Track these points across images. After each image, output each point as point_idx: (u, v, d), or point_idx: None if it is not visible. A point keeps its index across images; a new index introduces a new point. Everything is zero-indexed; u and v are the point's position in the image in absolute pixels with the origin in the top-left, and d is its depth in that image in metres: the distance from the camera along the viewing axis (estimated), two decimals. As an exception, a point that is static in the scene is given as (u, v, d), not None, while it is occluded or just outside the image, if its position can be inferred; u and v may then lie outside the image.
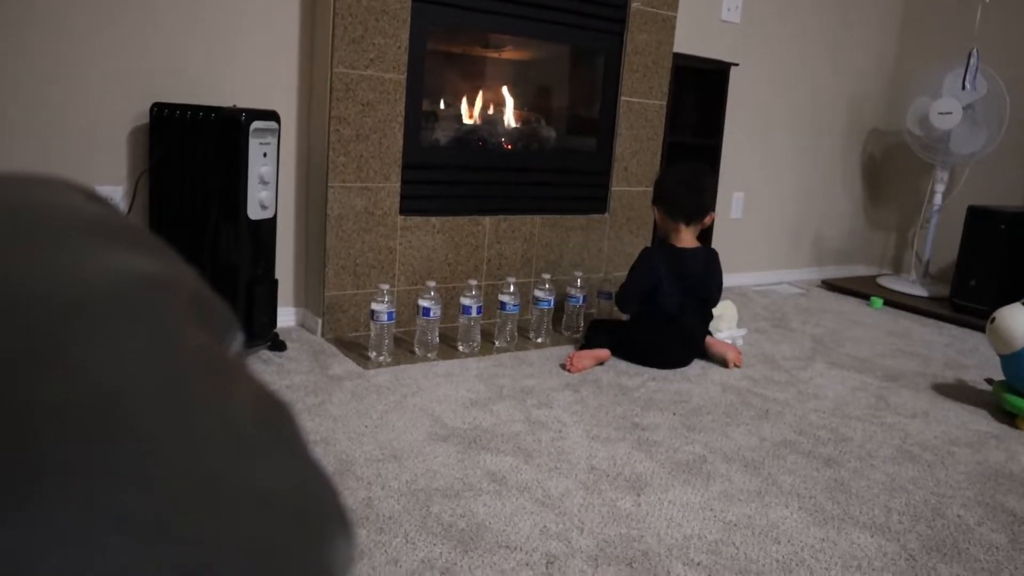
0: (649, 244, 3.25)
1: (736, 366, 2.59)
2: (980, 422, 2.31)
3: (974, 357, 2.99)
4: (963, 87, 3.65)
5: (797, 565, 1.47)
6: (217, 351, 0.28)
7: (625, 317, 2.76)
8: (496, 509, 1.57)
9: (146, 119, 2.29)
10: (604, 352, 2.52)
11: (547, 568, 1.38)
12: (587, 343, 2.57)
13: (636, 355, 2.57)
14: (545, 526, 1.52)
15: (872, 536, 1.60)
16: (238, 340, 0.31)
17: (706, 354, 2.64)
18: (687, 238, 2.60)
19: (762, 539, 1.55)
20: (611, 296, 2.88)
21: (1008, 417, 2.33)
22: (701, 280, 2.59)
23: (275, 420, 0.27)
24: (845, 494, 1.77)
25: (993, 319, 2.35)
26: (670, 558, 1.45)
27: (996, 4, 3.89)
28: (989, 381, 2.52)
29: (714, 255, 2.66)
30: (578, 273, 2.81)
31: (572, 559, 1.42)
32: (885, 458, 1.99)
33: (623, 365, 2.53)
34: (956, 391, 2.57)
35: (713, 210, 2.66)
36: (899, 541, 1.59)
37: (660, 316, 2.56)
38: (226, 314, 0.30)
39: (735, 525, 1.59)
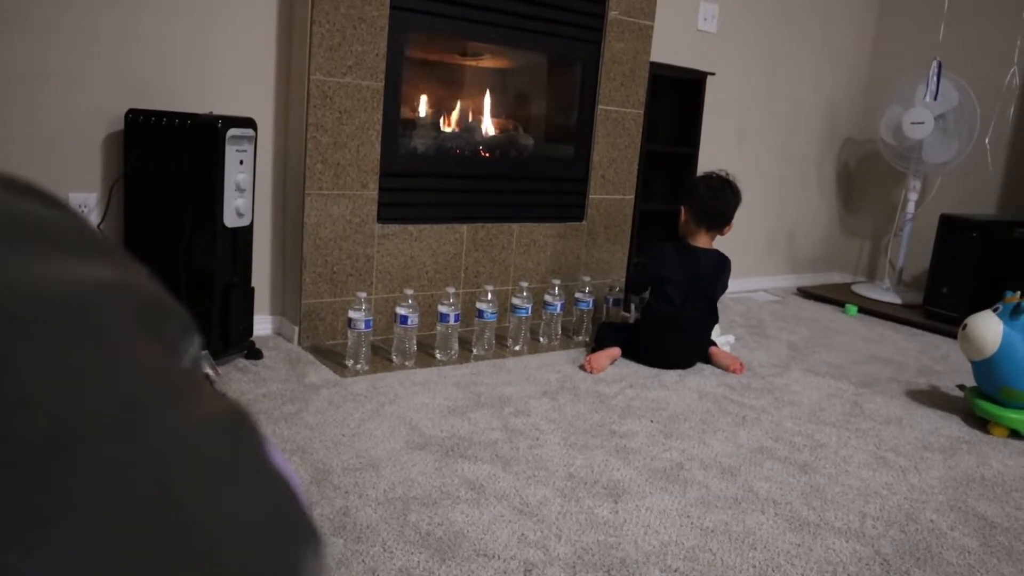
0: (628, 251, 3.28)
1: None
2: (953, 428, 2.34)
3: (947, 363, 3.03)
4: (926, 98, 3.70)
5: (773, 571, 1.48)
6: (171, 363, 0.26)
7: (631, 319, 2.96)
8: (474, 517, 1.57)
9: (121, 125, 2.27)
10: (616, 350, 2.65)
11: (525, 576, 1.38)
12: (598, 344, 2.68)
13: (640, 354, 2.68)
14: (523, 534, 1.52)
15: (847, 541, 1.61)
16: (195, 345, 0.30)
17: (710, 360, 2.72)
18: (703, 241, 2.71)
19: (739, 545, 1.56)
20: (618, 302, 3.04)
21: (980, 423, 2.36)
22: (708, 279, 2.69)
23: (236, 433, 0.26)
24: (820, 500, 1.79)
25: (965, 326, 2.38)
26: (647, 565, 1.45)
27: (969, 16, 3.95)
28: (961, 387, 2.55)
29: (726, 261, 2.74)
30: (556, 281, 2.82)
31: (550, 567, 1.42)
32: (860, 464, 2.01)
33: (601, 374, 2.53)
34: (929, 397, 2.60)
35: (731, 222, 2.74)
36: (873, 546, 1.60)
37: (665, 314, 2.64)
38: (182, 317, 0.29)
39: (712, 532, 1.60)
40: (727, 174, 2.73)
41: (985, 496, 1.89)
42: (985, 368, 2.33)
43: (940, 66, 3.69)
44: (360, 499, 1.60)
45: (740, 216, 2.77)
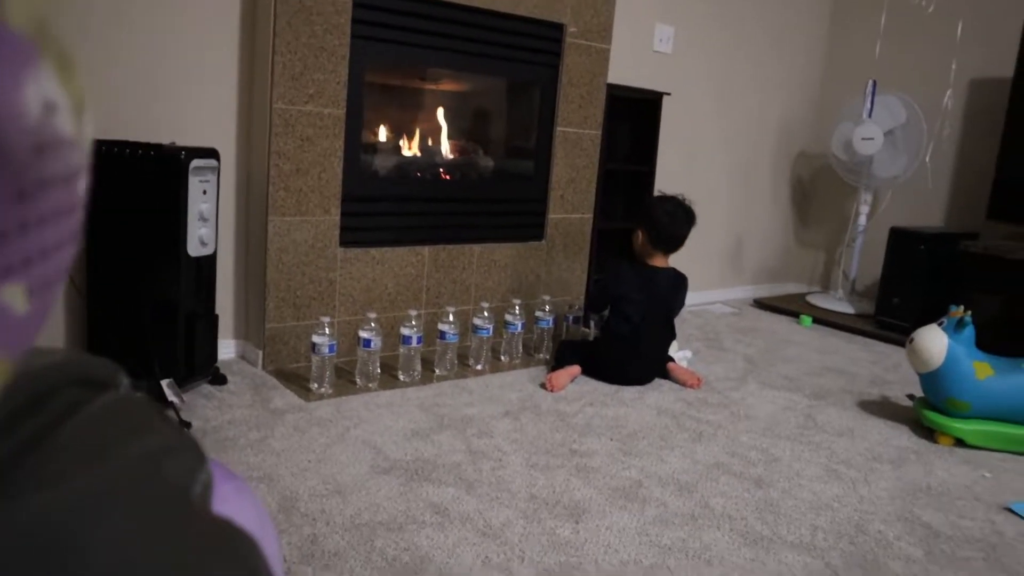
0: (587, 269, 3.34)
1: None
2: (902, 438, 2.42)
3: (897, 373, 3.13)
4: (863, 115, 3.83)
5: (728, 586, 1.53)
6: (193, 510, 0.31)
7: (591, 336, 3.03)
8: (439, 541, 1.61)
9: (82, 156, 2.28)
10: (576, 368, 2.70)
11: (488, 599, 1.42)
12: (559, 363, 2.73)
13: (600, 372, 2.73)
14: (487, 556, 1.57)
15: (799, 555, 1.68)
16: (205, 470, 0.35)
17: (668, 376, 2.79)
18: (659, 261, 2.80)
19: (695, 562, 1.62)
20: (578, 320, 3.09)
21: (927, 432, 2.45)
22: (666, 298, 2.77)
23: (249, 565, 0.31)
24: (774, 514, 1.85)
25: (912, 340, 2.47)
26: (607, 584, 1.50)
27: (912, 37, 4.08)
28: (911, 397, 2.65)
29: (683, 279, 2.83)
30: (516, 300, 2.87)
31: (513, 589, 1.46)
32: (812, 477, 2.08)
33: (561, 392, 2.59)
34: (880, 408, 2.69)
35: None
36: (823, 558, 1.67)
37: (624, 332, 2.71)
38: (196, 450, 0.34)
39: (670, 549, 1.66)
40: (683, 198, 2.80)
41: (931, 505, 1.97)
42: (931, 380, 2.42)
43: (875, 85, 3.83)
44: (327, 526, 1.63)
45: (697, 229, 2.85)
